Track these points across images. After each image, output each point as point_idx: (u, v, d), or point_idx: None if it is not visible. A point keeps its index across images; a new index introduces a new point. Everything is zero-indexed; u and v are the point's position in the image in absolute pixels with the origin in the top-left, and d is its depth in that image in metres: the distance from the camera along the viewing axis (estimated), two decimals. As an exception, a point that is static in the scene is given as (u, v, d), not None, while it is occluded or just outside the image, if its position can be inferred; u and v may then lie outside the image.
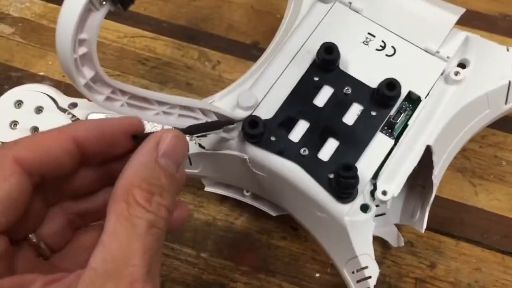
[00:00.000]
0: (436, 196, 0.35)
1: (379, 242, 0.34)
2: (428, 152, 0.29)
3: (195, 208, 0.36)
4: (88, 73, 0.23)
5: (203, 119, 0.28)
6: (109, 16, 0.47)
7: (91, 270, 0.17)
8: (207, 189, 0.34)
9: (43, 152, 0.19)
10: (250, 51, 0.43)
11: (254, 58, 0.33)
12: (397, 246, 0.33)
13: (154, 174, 0.19)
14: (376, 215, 0.33)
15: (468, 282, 0.34)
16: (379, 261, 0.33)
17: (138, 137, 0.21)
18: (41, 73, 0.42)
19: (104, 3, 0.21)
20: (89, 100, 0.23)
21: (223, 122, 0.28)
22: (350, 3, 0.31)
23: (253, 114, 0.29)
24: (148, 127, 0.32)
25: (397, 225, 0.33)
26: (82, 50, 0.22)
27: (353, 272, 0.29)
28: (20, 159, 0.19)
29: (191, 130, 0.25)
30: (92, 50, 0.22)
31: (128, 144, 0.21)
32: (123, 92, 0.25)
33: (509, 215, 0.35)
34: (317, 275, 0.34)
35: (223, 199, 0.36)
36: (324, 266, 0.35)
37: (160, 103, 0.26)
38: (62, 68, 0.22)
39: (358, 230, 0.28)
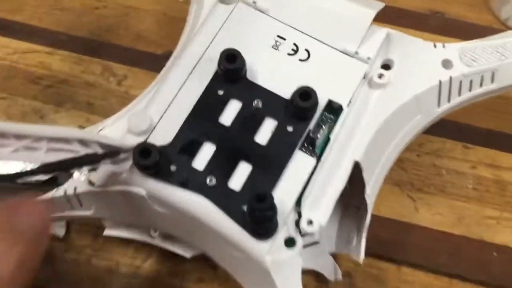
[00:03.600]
0: (374, 216, 0.31)
1: (313, 276, 0.30)
2: (357, 169, 0.25)
3: (93, 252, 0.30)
4: None
5: (82, 152, 0.23)
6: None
7: None
8: (106, 232, 0.28)
9: None
10: (162, 62, 0.37)
11: (166, 71, 0.28)
12: (334, 281, 0.29)
13: None
14: (308, 244, 0.29)
15: (412, 315, 0.30)
16: (314, 299, 0.29)
17: None
18: None
19: None
20: None
21: (104, 154, 0.22)
22: (254, 2, 0.27)
23: (148, 140, 0.24)
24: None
25: (333, 255, 0.29)
26: None
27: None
28: None
29: (51, 168, 0.20)
30: None
31: None
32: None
33: (454, 231, 0.32)
34: (242, 318, 0.30)
35: (128, 239, 0.30)
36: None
37: (18, 136, 0.21)
38: None
39: (284, 271, 0.23)
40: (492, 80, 0.28)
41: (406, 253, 0.31)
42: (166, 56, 0.40)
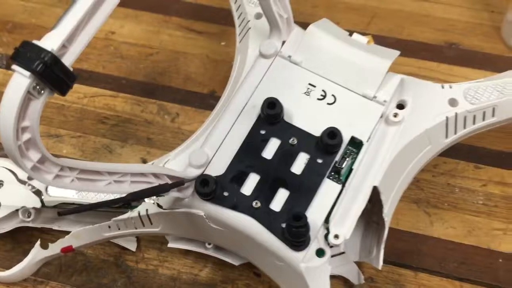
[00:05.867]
0: (393, 229, 0.37)
1: (341, 281, 0.35)
2: (376, 192, 0.31)
3: (160, 263, 0.37)
4: (34, 156, 0.23)
5: (156, 182, 0.29)
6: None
7: None
8: (170, 245, 0.35)
9: None
10: (208, 101, 0.45)
11: (212, 107, 0.35)
12: (358, 284, 0.34)
13: None
14: (336, 254, 0.34)
15: (429, 314, 0.35)
16: (342, 301, 0.34)
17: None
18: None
19: (42, 92, 0.22)
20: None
21: (172, 184, 0.28)
22: (289, 56, 0.33)
23: (205, 172, 0.30)
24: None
25: (357, 262, 0.34)
26: (25, 136, 0.23)
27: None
28: None
29: (136, 197, 0.26)
30: (36, 134, 0.23)
31: None
32: (72, 169, 0.26)
33: (465, 241, 0.36)
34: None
35: (187, 252, 0.37)
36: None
37: (111, 173, 0.27)
38: (8, 155, 0.23)
39: (315, 275, 0.29)
40: (493, 115, 0.33)
41: (422, 260, 0.36)
42: (211, 95, 0.47)
